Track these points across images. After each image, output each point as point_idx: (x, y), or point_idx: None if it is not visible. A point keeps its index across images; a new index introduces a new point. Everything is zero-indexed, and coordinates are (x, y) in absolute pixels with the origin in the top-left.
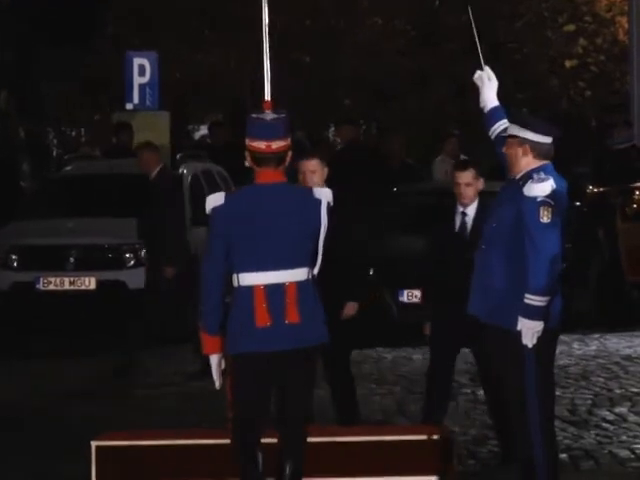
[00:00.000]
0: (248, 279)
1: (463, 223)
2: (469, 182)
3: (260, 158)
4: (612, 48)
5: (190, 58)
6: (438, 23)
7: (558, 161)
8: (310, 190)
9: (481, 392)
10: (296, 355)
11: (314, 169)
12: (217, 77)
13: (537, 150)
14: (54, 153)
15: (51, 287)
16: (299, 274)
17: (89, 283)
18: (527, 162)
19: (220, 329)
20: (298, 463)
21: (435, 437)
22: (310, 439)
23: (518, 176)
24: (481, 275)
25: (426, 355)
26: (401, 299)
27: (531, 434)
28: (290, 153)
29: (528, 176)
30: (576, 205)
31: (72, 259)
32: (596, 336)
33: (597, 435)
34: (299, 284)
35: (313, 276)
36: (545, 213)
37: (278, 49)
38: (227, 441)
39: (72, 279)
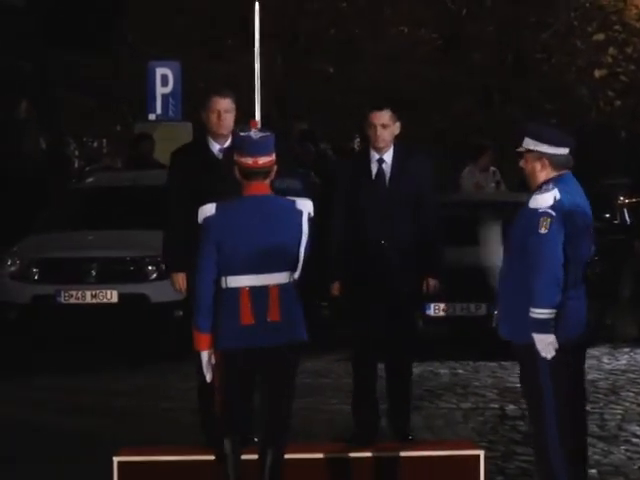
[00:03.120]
0: (235, 281)
1: (380, 171)
2: (386, 123)
3: (248, 172)
4: None
5: (211, 67)
6: (462, 32)
7: (587, 172)
8: (293, 202)
9: (509, 407)
10: (277, 351)
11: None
12: (239, 87)
13: (555, 162)
14: (75, 164)
15: (72, 300)
16: (281, 277)
17: (111, 296)
18: (546, 175)
19: (210, 328)
20: (278, 455)
21: (463, 453)
22: (330, 454)
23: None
24: (503, 292)
25: (453, 370)
26: (428, 312)
27: (549, 452)
28: (275, 168)
29: (540, 188)
30: (605, 217)
31: (94, 272)
32: (626, 350)
33: (627, 450)
34: (281, 286)
35: (294, 279)
36: (544, 224)
37: (302, 59)
38: (248, 457)
39: (94, 292)
